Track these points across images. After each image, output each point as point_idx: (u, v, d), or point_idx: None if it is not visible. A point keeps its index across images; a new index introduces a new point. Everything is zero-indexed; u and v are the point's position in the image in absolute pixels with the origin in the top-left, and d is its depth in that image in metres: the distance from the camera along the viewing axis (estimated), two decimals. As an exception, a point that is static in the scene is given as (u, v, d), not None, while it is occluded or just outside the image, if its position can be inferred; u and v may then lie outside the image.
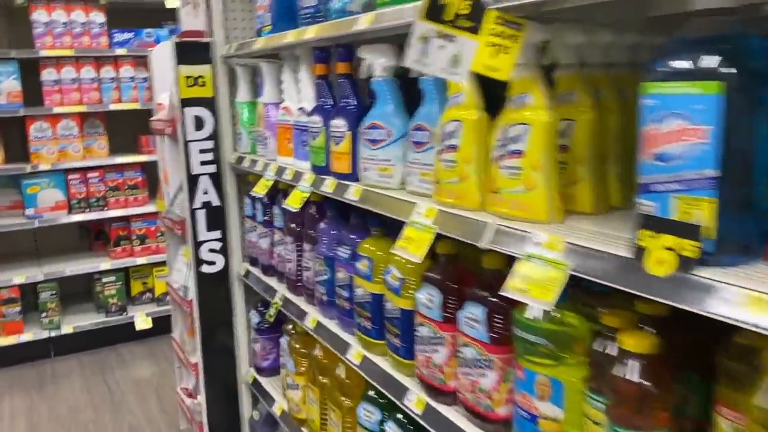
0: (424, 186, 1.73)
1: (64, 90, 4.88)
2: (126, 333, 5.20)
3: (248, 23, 3.05)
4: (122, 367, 4.88)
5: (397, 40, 1.73)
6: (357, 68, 2.01)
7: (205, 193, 2.96)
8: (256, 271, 2.97)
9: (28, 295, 5.03)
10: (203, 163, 2.94)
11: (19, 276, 4.80)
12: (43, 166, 4.82)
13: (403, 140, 1.82)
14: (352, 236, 2.16)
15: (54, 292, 4.93)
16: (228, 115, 3.01)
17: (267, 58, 2.80)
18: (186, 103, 2.88)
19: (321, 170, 2.19)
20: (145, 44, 5.07)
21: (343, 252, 2.17)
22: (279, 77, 2.63)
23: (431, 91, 1.71)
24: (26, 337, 4.85)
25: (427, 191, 1.71)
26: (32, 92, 4.85)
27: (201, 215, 2.96)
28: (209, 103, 2.92)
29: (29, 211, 4.83)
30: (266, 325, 2.98)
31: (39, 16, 4.73)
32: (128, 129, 5.48)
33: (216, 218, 3.00)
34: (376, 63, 1.87)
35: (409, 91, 1.87)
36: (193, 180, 2.93)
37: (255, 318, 3.04)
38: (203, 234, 2.98)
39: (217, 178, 2.97)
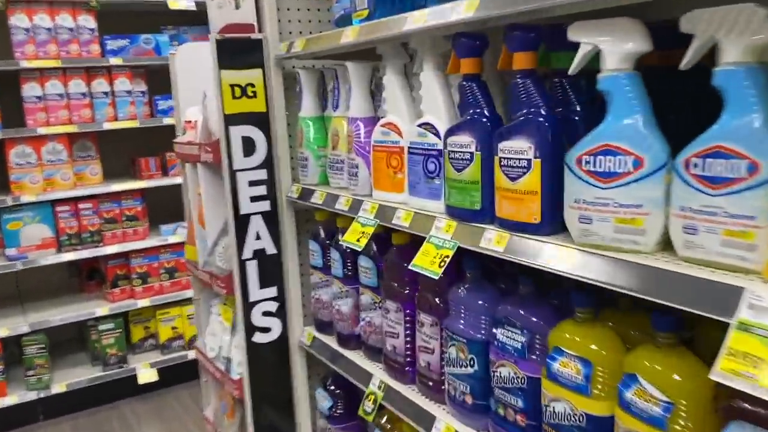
0: (731, 252, 0.99)
1: (50, 107, 4.05)
2: (127, 388, 4.38)
3: (305, 14, 2.29)
4: (125, 429, 4.05)
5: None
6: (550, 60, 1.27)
7: (258, 238, 2.20)
8: (326, 340, 2.21)
9: (11, 349, 4.18)
10: (254, 198, 2.18)
11: (0, 328, 3.94)
12: (27, 198, 3.98)
13: (664, 173, 1.09)
14: (527, 313, 1.41)
15: (42, 345, 4.09)
16: (284, 135, 2.25)
17: (336, 59, 2.05)
18: (231, 120, 2.12)
19: (469, 215, 1.45)
20: (143, 52, 4.27)
21: (512, 337, 1.42)
22: (371, 82, 1.88)
23: (746, 92, 0.97)
24: (10, 400, 3.99)
25: (738, 261, 0.97)
26: (12, 111, 4.03)
27: (252, 268, 2.19)
28: (261, 121, 2.16)
29: (10, 251, 3.99)
30: (340, 411, 2.21)
31: (18, 21, 3.90)
32: (124, 151, 4.68)
33: (271, 271, 2.23)
34: (611, 48, 1.13)
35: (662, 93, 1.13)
36: (242, 222, 2.17)
37: (325, 401, 2.26)
38: (255, 292, 2.21)
39: (271, 218, 2.21)
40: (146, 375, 4.35)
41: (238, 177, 2.15)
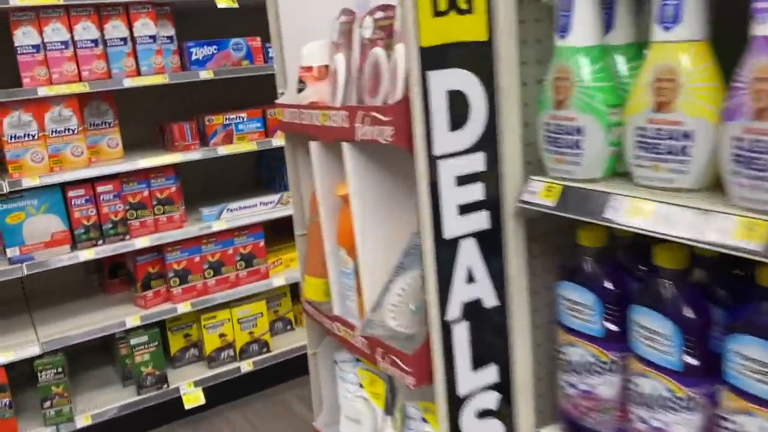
0: None
1: (52, 60, 2.97)
2: (169, 413, 3.44)
3: None
4: (173, 473, 3.11)
5: None
6: None
7: (470, 280, 1.19)
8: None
9: (22, 376, 3.19)
10: (466, 209, 1.16)
11: (5, 351, 2.95)
12: (29, 182, 2.94)
13: None
14: None
15: (59, 369, 3.10)
16: (515, 87, 1.20)
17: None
18: (431, 58, 1.08)
19: None
20: (170, -16, 3.16)
21: None
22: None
23: None
24: (23, 441, 3.03)
25: None
26: (2, 66, 2.93)
27: (461, 334, 1.19)
28: (480, 59, 1.13)
29: (12, 252, 2.97)
30: None
31: (2, -60, 2.78)
32: (150, 115, 3.62)
33: (491, 339, 1.22)
34: None
35: None
36: (445, 251, 1.14)
37: None
38: (466, 378, 1.21)
39: (491, 244, 1.19)
40: (192, 398, 3.38)
41: (440, 169, 1.12)
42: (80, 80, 3.04)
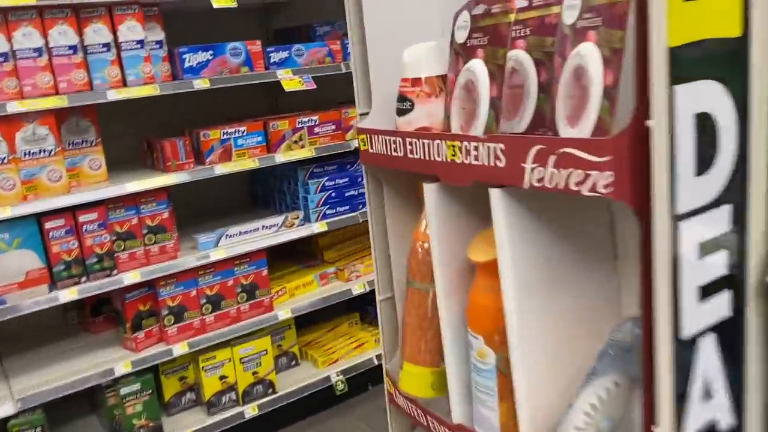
0: None
1: (23, 70, 2.52)
2: (166, 471, 2.99)
3: None
4: None
5: None
6: None
7: (707, 396, 0.81)
8: None
9: (-8, 438, 2.74)
10: (706, 291, 0.78)
11: (-27, 414, 2.50)
12: (-2, 214, 2.49)
13: None
14: None
15: (38, 429, 2.65)
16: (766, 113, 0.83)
17: None
18: (680, 66, 0.70)
19: None
20: (161, -19, 2.74)
21: None
22: None
23: None
24: None
25: None
26: (-38, 77, 2.48)
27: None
28: (732, 68, 0.74)
29: (-21, 295, 2.50)
30: None
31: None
32: (138, 131, 3.19)
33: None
34: None
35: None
36: (683, 353, 0.78)
37: None
38: None
39: (731, 340, 0.81)
40: (192, 450, 2.96)
41: (681, 233, 0.76)
42: (57, 93, 2.60)
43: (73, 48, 2.61)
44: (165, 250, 2.91)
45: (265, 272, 3.18)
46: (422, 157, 1.21)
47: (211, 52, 2.90)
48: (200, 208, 3.58)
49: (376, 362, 3.48)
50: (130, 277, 2.80)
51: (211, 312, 3.04)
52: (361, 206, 3.42)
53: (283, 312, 3.23)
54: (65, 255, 2.67)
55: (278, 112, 3.52)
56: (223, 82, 2.92)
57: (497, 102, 1.13)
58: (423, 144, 1.19)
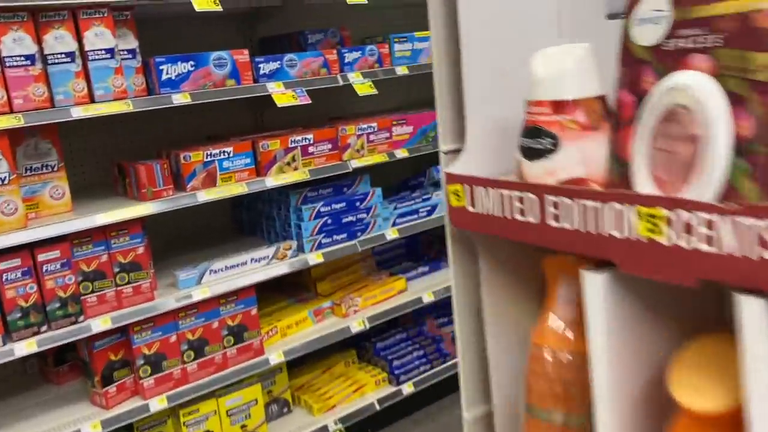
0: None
1: (-30, 83, 2.11)
2: None
3: None
4: None
5: None
6: None
7: None
8: None
9: None
10: None
11: None
12: (-61, 256, 2.08)
13: None
14: None
15: (-10, 508, 2.23)
16: None
17: None
18: None
19: None
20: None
21: None
22: None
23: None
24: None
25: None
26: None
27: None
28: None
29: None
30: None
31: None
32: (108, 153, 2.79)
33: None
34: None
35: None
36: None
37: None
38: None
39: None
40: None
41: None
42: (11, 111, 2.20)
43: (31, 58, 2.21)
44: (140, 291, 2.51)
45: (254, 311, 2.79)
46: (582, 230, 0.80)
47: (192, 62, 2.53)
48: (177, 237, 3.18)
49: (377, 407, 3.12)
50: (100, 324, 2.40)
51: (194, 359, 2.64)
52: (359, 233, 3.06)
53: (275, 355, 2.85)
54: (21, 300, 2.26)
55: (264, 129, 3.15)
56: (206, 96, 2.55)
57: (749, 144, 0.71)
58: (585, 208, 0.77)
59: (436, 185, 3.41)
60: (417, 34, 3.14)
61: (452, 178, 1.01)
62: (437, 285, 3.37)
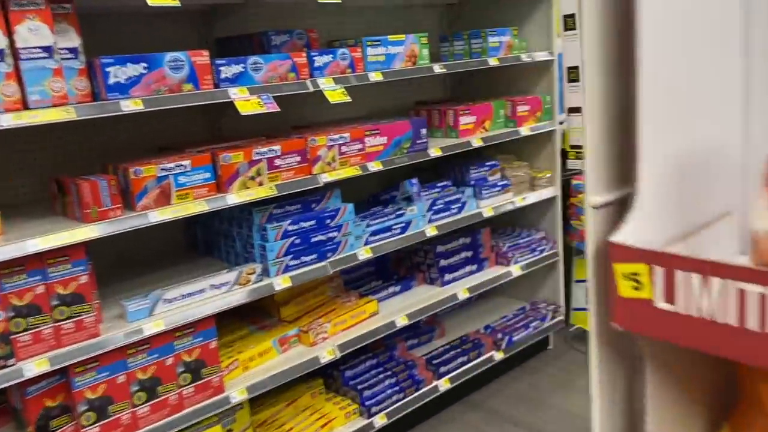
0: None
1: None
2: None
3: None
4: None
5: None
6: None
7: None
8: None
9: None
10: None
11: None
12: None
13: None
14: None
15: None
16: None
17: None
18: None
19: None
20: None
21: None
22: None
23: None
24: None
25: None
26: None
27: None
28: None
29: None
30: None
31: None
32: (44, 168, 2.43)
33: None
34: None
35: None
36: None
37: None
38: None
39: None
40: None
41: None
42: (-75, 118, 1.83)
43: (-50, 55, 1.85)
44: (83, 326, 2.16)
45: (214, 344, 2.48)
46: None
47: (144, 64, 2.20)
48: (123, 258, 2.83)
49: (349, 444, 2.84)
50: (34, 367, 2.04)
51: (145, 402, 2.31)
52: (329, 254, 2.77)
53: (237, 392, 2.54)
54: (-62, 343, 1.89)
55: (222, 139, 2.84)
56: (160, 103, 2.22)
57: None
58: None
59: (409, 200, 3.16)
60: (390, 37, 2.88)
61: (627, 253, 0.65)
62: (410, 306, 3.12)
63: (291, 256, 2.67)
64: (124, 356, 2.26)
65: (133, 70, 2.18)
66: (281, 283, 2.61)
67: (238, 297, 2.51)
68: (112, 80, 2.14)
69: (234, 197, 2.45)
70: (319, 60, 2.64)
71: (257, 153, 2.52)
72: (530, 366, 3.77)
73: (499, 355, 3.47)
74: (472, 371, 3.34)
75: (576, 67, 3.51)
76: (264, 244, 2.62)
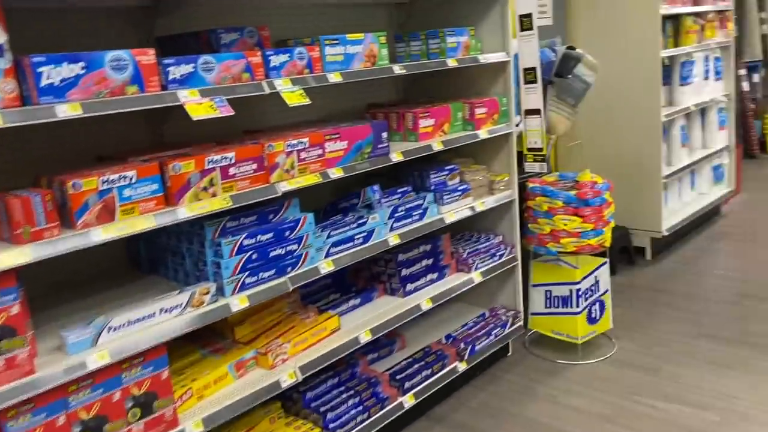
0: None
1: None
2: None
3: None
4: None
5: None
6: None
7: None
8: None
9: None
10: None
11: None
12: None
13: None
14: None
15: None
16: None
17: None
18: None
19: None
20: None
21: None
22: None
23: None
24: None
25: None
26: None
27: None
28: None
29: None
30: None
31: None
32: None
33: None
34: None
35: None
36: None
37: None
38: None
39: None
40: None
41: None
42: None
43: None
44: (14, 363, 1.88)
45: (166, 374, 2.22)
46: None
47: (82, 64, 1.93)
48: (59, 280, 2.53)
49: (314, 472, 2.63)
50: (-42, 415, 1.75)
51: (90, 444, 2.03)
52: (289, 268, 2.56)
53: (192, 424, 2.30)
54: None
55: (165, 146, 2.58)
56: (102, 108, 1.96)
57: None
58: None
59: (370, 207, 2.98)
60: (349, 36, 2.69)
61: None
62: (373, 320, 2.94)
63: (248, 272, 2.44)
64: (65, 394, 1.98)
65: (69, 70, 1.91)
66: (238, 303, 2.38)
67: (191, 321, 2.27)
68: (44, 82, 1.87)
69: (185, 211, 2.21)
70: (275, 59, 2.42)
71: (210, 161, 2.28)
72: (491, 374, 3.65)
73: (462, 366, 3.33)
74: (437, 384, 3.19)
75: (533, 69, 3.42)
76: (218, 261, 2.38)
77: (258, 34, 2.63)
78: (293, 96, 2.41)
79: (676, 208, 5.46)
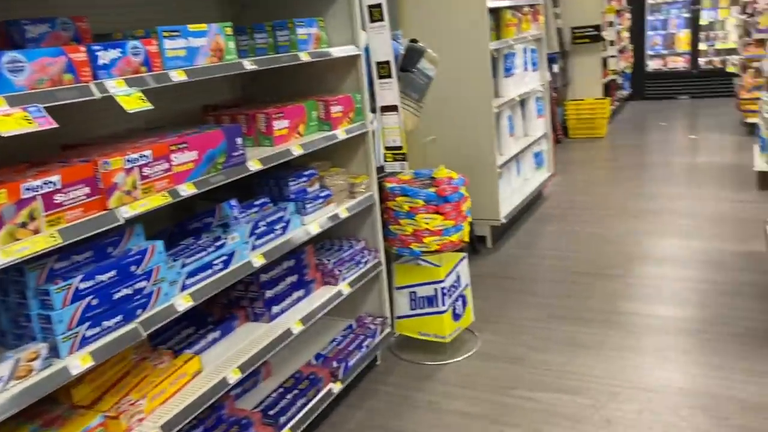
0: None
1: None
2: None
3: None
4: None
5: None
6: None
7: None
8: None
9: None
10: None
11: None
12: None
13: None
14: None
15: None
16: None
17: None
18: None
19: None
20: None
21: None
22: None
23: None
24: None
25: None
26: None
27: None
28: None
29: None
30: None
31: None
32: None
33: None
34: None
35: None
36: None
37: None
38: None
39: None
40: None
41: None
42: None
43: None
44: None
45: (-12, 474, 1.65)
46: None
47: None
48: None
49: None
50: None
51: None
52: (139, 310, 2.07)
53: None
54: None
55: (-42, 171, 1.96)
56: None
57: None
58: None
59: (226, 226, 2.54)
60: (191, 27, 2.24)
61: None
62: (239, 355, 2.53)
63: (88, 323, 1.92)
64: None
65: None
66: (79, 363, 1.86)
67: (18, 398, 1.71)
68: None
69: (129, 210, 1.65)
70: (105, 56, 1.91)
71: (27, 189, 1.73)
72: (363, 388, 3.38)
73: (337, 387, 3.02)
74: (313, 412, 2.85)
75: (387, 62, 3.17)
76: (47, 314, 1.84)
77: (74, 26, 2.08)
78: (131, 100, 1.92)
79: (507, 196, 5.58)
